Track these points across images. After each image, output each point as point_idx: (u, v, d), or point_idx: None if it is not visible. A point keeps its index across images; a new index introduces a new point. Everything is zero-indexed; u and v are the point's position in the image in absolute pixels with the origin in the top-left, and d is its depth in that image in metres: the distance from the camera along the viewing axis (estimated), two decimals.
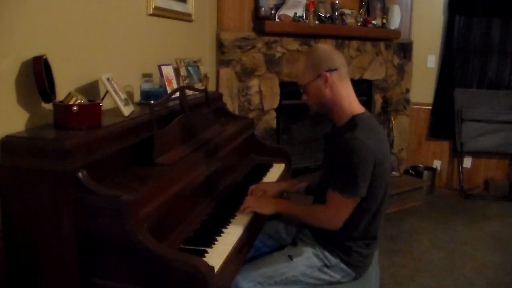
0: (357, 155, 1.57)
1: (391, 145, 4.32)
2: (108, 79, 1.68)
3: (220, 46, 3.14)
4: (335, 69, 1.69)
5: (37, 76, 1.43)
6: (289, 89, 3.43)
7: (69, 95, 1.49)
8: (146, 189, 1.41)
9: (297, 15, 3.37)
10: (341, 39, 3.78)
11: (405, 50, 4.34)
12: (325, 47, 1.82)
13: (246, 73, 3.27)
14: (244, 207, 1.79)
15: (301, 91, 1.77)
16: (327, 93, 1.69)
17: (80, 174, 1.31)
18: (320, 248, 1.74)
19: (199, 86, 2.47)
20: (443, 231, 3.60)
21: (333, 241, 1.72)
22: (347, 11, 3.74)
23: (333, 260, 1.72)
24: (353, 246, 1.72)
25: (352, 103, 1.72)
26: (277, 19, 3.30)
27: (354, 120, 1.67)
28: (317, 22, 3.50)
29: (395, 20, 4.04)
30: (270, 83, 3.40)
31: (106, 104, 1.71)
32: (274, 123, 3.50)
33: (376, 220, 1.73)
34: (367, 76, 4.08)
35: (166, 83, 2.25)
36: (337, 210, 1.64)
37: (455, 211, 4.04)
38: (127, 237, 1.28)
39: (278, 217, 1.93)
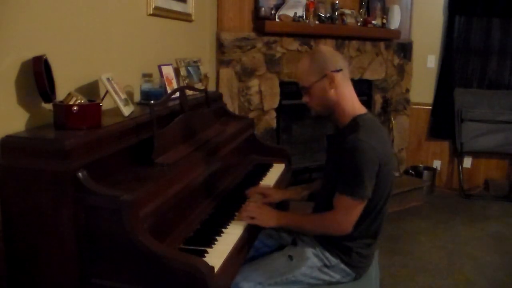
0: (362, 156, 1.56)
1: (391, 145, 4.33)
2: (108, 79, 1.68)
3: (220, 46, 3.13)
4: (340, 70, 1.68)
5: (37, 76, 1.43)
6: (289, 89, 3.43)
7: (69, 95, 1.49)
8: (146, 189, 1.41)
9: (297, 15, 3.37)
10: (341, 39, 3.78)
11: (405, 50, 4.34)
12: (328, 48, 1.81)
13: (246, 73, 3.27)
14: (245, 216, 1.74)
15: (303, 92, 1.74)
16: (331, 94, 1.68)
17: (80, 174, 1.31)
18: (320, 248, 1.74)
19: (199, 86, 2.47)
20: (443, 231, 3.60)
21: (333, 241, 1.72)
22: (347, 11, 3.74)
23: (333, 260, 1.72)
24: (353, 247, 1.71)
25: (354, 104, 1.71)
26: (277, 19, 3.30)
27: (356, 121, 1.66)
28: (317, 22, 3.50)
29: (395, 20, 4.04)
30: (270, 83, 3.40)
31: (106, 104, 1.70)
32: (274, 123, 3.50)
33: (378, 219, 1.73)
34: (367, 76, 4.08)
35: (166, 83, 2.25)
36: (347, 214, 1.62)
37: (455, 211, 4.04)
38: (127, 237, 1.28)
39: None
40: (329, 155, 1.83)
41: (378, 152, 1.59)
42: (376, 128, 1.69)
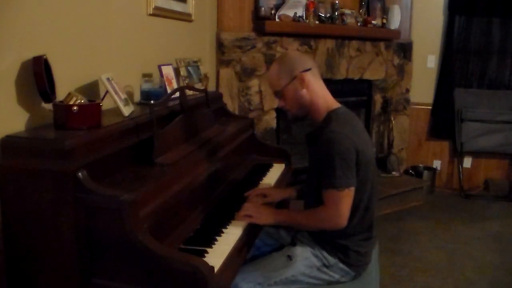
0: (337, 146, 1.59)
1: (391, 145, 4.33)
2: (108, 79, 1.68)
3: (220, 46, 3.14)
4: (309, 69, 1.72)
5: (37, 76, 1.43)
6: None
7: (69, 95, 1.49)
8: (146, 189, 1.41)
9: (297, 15, 3.37)
10: (341, 39, 3.78)
11: (405, 50, 4.34)
12: (294, 51, 1.88)
13: (246, 73, 3.27)
14: (243, 215, 1.75)
15: (277, 97, 1.79)
16: (304, 94, 1.72)
17: (80, 174, 1.31)
18: (318, 248, 1.74)
19: (199, 86, 2.47)
20: (443, 231, 3.60)
21: (330, 241, 1.72)
22: (347, 11, 3.74)
23: (332, 260, 1.72)
24: (350, 245, 1.72)
25: (327, 100, 1.75)
26: (277, 19, 3.30)
27: (329, 116, 1.70)
28: (317, 22, 3.50)
29: (395, 20, 4.04)
30: None
31: (106, 104, 1.70)
32: (274, 123, 3.50)
33: (369, 212, 1.73)
34: (367, 76, 4.08)
35: (166, 83, 2.25)
36: (337, 207, 1.62)
37: (455, 211, 4.05)
38: (127, 237, 1.28)
39: None
40: (310, 154, 1.84)
41: (353, 141, 1.61)
42: (349, 120, 1.72)
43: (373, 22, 3.90)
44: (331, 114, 1.70)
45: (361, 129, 1.76)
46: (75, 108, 1.45)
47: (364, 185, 1.68)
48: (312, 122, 1.79)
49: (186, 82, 2.43)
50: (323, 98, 1.74)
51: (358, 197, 1.67)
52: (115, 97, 1.68)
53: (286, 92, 1.73)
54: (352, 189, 1.62)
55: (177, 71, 2.41)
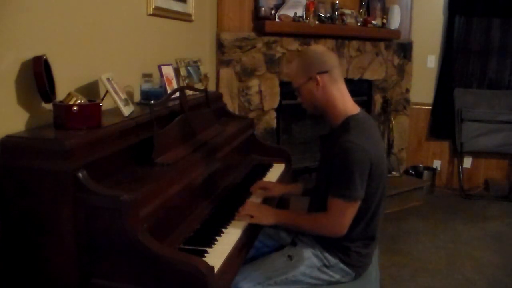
0: (353, 159, 1.56)
1: (391, 145, 4.33)
2: (108, 79, 1.68)
3: (220, 46, 3.14)
4: (326, 72, 1.68)
5: (37, 76, 1.43)
6: (289, 89, 3.40)
7: (69, 95, 1.50)
8: (146, 189, 1.41)
9: (297, 15, 3.38)
10: (341, 39, 3.78)
11: (405, 50, 4.34)
12: (317, 48, 1.80)
13: (246, 73, 3.27)
14: (243, 215, 1.75)
15: (295, 92, 1.77)
16: (319, 95, 1.69)
17: (80, 174, 1.31)
18: (319, 248, 1.74)
19: (199, 86, 2.47)
20: (443, 231, 3.60)
21: (332, 242, 1.72)
22: (347, 11, 3.74)
23: (332, 260, 1.72)
24: (351, 246, 1.71)
25: (346, 104, 1.71)
26: (277, 19, 3.31)
27: (348, 122, 1.66)
28: (317, 22, 3.50)
29: (395, 20, 4.04)
30: (270, 83, 3.40)
31: (106, 104, 1.70)
32: (274, 123, 3.50)
33: (374, 221, 1.73)
34: (367, 76, 4.08)
35: (166, 83, 2.25)
36: (340, 216, 1.62)
37: (455, 211, 4.04)
38: (127, 237, 1.28)
39: None
40: (322, 155, 1.83)
41: (369, 154, 1.59)
42: (368, 128, 1.69)
43: (373, 22, 3.90)
44: (350, 120, 1.66)
45: (378, 138, 1.73)
46: (75, 108, 1.45)
47: (373, 196, 1.66)
48: (327, 123, 1.77)
49: (186, 82, 2.43)
50: (341, 102, 1.70)
51: (365, 207, 1.66)
52: (115, 97, 1.68)
53: (302, 91, 1.72)
54: (359, 202, 1.62)
55: (177, 71, 2.41)
